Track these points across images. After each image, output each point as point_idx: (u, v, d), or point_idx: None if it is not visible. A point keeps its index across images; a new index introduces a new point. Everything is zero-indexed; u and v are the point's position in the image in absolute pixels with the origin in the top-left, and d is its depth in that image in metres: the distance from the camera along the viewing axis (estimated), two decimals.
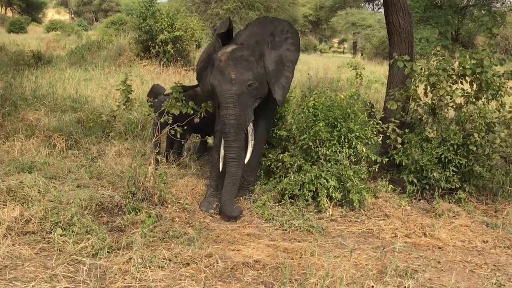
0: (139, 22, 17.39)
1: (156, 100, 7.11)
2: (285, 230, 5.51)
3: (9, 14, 56.97)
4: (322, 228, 5.55)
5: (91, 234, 4.81)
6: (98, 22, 52.20)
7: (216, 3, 22.32)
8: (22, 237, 4.80)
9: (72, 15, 61.28)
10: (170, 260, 4.46)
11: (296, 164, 6.23)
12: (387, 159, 6.51)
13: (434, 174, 6.33)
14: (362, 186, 6.03)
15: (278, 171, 6.50)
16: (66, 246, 4.62)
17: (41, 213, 5.08)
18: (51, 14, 63.02)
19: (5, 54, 16.07)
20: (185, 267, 4.40)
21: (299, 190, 6.01)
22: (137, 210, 5.50)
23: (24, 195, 5.54)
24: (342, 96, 6.51)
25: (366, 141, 6.33)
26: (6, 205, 5.28)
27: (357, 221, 5.89)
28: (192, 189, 6.44)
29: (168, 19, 17.02)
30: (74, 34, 28.06)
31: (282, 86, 5.98)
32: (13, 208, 5.15)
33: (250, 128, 5.77)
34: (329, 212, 5.96)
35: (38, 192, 5.66)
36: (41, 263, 4.34)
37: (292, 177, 6.08)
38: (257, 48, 5.87)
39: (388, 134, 6.54)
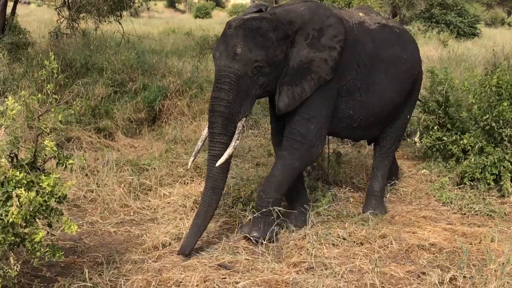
0: None
1: None
2: (464, 214, 5.33)
3: (195, 0, 60.71)
4: (504, 213, 5.29)
5: None
6: (277, 3, 53.55)
7: None
8: None
9: None
10: (344, 239, 4.54)
11: (477, 146, 5.92)
12: None
13: None
14: None
15: (456, 153, 6.23)
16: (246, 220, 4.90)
17: (224, 189, 5.44)
18: None
19: (192, 39, 17.03)
20: (359, 246, 4.46)
21: (480, 173, 5.74)
22: (313, 189, 5.65)
23: None
24: None
25: None
26: (193, 180, 5.76)
27: None
28: (367, 170, 6.44)
29: None
30: None
31: (292, 95, 4.47)
32: (199, 184, 5.60)
33: (240, 124, 4.34)
34: None
35: None
36: (224, 236, 4.67)
37: (473, 159, 5.82)
38: (287, 27, 4.40)
39: None
